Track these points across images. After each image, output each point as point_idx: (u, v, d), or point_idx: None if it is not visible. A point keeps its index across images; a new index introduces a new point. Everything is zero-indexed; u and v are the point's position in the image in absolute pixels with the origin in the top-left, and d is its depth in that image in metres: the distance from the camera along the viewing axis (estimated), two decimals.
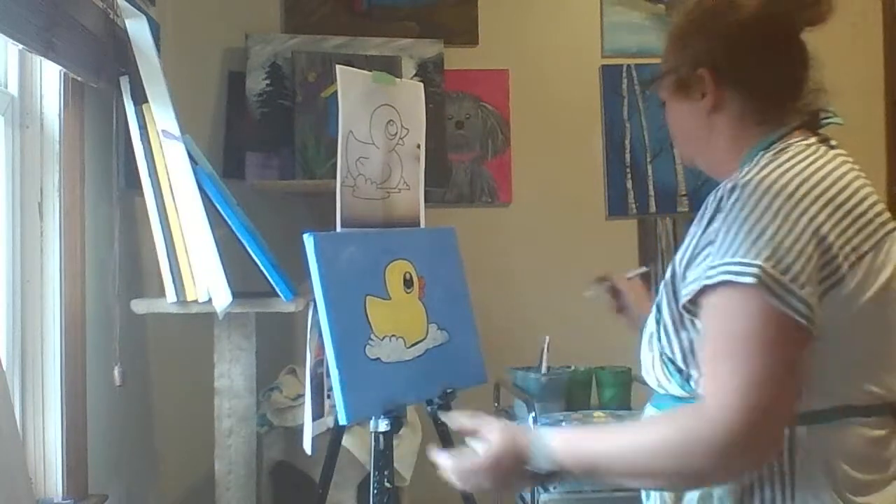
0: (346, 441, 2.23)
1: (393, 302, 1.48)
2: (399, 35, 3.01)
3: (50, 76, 1.83)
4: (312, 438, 1.90)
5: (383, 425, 1.65)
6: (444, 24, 3.08)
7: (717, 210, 1.13)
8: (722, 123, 1.25)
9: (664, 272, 1.29)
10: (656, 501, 1.23)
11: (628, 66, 3.14)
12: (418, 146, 2.02)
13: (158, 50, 2.09)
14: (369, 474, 1.90)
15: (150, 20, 2.07)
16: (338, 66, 1.87)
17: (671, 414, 1.18)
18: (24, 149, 1.81)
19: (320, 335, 1.99)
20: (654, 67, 1.38)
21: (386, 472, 1.80)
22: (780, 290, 1.05)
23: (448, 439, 2.10)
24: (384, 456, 1.81)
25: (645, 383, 1.30)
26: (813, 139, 1.22)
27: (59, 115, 1.83)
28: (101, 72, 1.95)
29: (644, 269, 1.72)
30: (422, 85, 2.10)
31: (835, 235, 1.09)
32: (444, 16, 3.09)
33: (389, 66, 2.86)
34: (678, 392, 1.19)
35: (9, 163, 1.78)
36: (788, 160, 1.15)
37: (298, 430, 2.13)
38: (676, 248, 1.27)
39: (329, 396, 2.23)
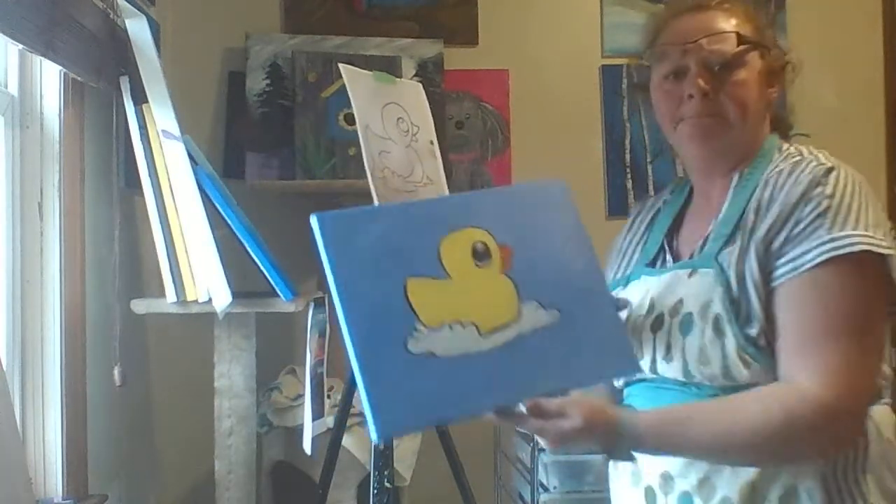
0: (346, 441, 2.23)
1: (454, 280, 1.17)
2: (399, 35, 3.01)
3: (50, 76, 1.83)
4: (312, 438, 1.90)
5: None
6: (444, 24, 3.08)
7: (815, 185, 1.18)
8: (762, 116, 1.32)
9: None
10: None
11: (628, 66, 3.14)
12: (431, 142, 2.01)
13: (158, 50, 2.10)
14: (369, 474, 1.90)
15: (150, 20, 2.07)
16: (341, 65, 1.87)
17: (765, 396, 1.16)
18: (24, 149, 1.81)
19: (320, 335, 2.00)
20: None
21: (386, 472, 1.80)
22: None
23: (448, 438, 2.10)
24: (384, 456, 1.81)
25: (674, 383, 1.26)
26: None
27: (59, 115, 1.83)
28: (101, 72, 1.95)
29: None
30: (420, 85, 2.10)
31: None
32: (444, 16, 3.09)
33: (389, 66, 2.86)
34: (754, 379, 1.19)
35: (9, 163, 1.78)
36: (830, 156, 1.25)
37: (298, 430, 2.13)
38: None
39: (329, 396, 2.23)
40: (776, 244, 1.18)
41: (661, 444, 1.16)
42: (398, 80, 2.01)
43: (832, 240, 1.14)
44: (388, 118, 1.88)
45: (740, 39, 1.27)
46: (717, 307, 1.20)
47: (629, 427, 1.14)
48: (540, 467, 2.28)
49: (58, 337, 1.81)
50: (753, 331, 1.18)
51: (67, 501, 1.80)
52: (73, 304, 1.87)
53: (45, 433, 1.81)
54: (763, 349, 1.18)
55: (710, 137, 1.28)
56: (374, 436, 1.09)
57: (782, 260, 1.17)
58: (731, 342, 1.18)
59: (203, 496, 2.36)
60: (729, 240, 1.24)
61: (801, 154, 1.25)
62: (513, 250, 1.21)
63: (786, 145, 1.30)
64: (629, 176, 3.17)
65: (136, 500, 2.37)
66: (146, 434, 2.55)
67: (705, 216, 1.33)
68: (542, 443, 1.18)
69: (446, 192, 1.94)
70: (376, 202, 1.69)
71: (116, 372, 2.02)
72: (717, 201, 1.31)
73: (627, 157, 3.17)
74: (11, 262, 1.78)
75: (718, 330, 1.20)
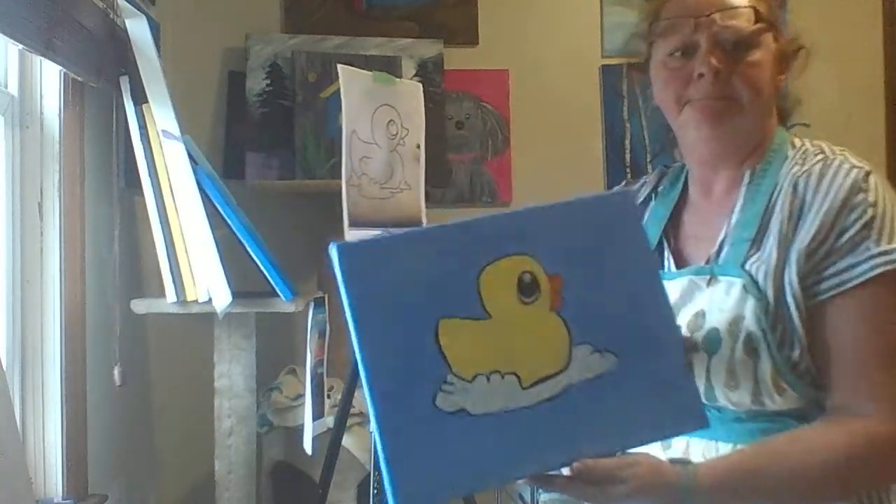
0: (346, 441, 2.23)
1: (495, 321, 0.98)
2: (399, 35, 3.01)
3: (50, 76, 1.83)
4: (312, 438, 1.90)
5: None
6: (444, 24, 3.08)
7: (857, 192, 1.10)
8: (772, 104, 1.22)
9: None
10: None
11: (628, 66, 3.13)
12: (418, 146, 2.02)
13: (158, 50, 2.09)
14: (369, 474, 1.90)
15: (150, 20, 2.07)
16: (339, 66, 1.88)
17: (828, 435, 1.06)
18: (24, 149, 1.81)
19: (320, 335, 2.00)
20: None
21: None
22: None
23: None
24: None
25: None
26: None
27: (59, 115, 1.83)
28: (101, 72, 1.95)
29: None
30: (421, 85, 2.10)
31: None
32: (444, 16, 3.09)
33: (389, 66, 2.86)
34: (786, 406, 1.10)
35: (9, 163, 1.78)
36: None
37: (298, 430, 2.13)
38: None
39: (329, 396, 2.23)
40: (819, 255, 1.08)
41: (725, 501, 1.07)
42: (398, 80, 2.02)
43: (882, 253, 1.06)
44: (379, 121, 1.89)
45: (757, 16, 1.16)
46: (751, 324, 1.09)
47: (691, 487, 1.03)
48: None
49: (58, 337, 1.81)
50: (795, 354, 1.08)
51: (67, 501, 1.80)
52: (73, 304, 1.86)
53: (45, 433, 1.81)
54: (802, 375, 1.09)
55: (720, 121, 1.15)
56: None
57: (827, 273, 1.08)
58: (766, 365, 1.08)
59: (203, 496, 2.36)
60: (752, 246, 1.13)
61: (823, 152, 1.16)
62: (563, 280, 1.01)
63: (797, 140, 1.21)
64: (629, 176, 3.16)
65: (136, 500, 2.37)
66: (146, 434, 2.55)
67: (711, 214, 1.22)
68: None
69: (422, 198, 1.92)
70: (346, 209, 1.69)
71: (116, 372, 2.02)
72: (724, 198, 1.21)
73: (627, 157, 3.17)
74: (11, 262, 1.78)
75: (751, 350, 1.09)
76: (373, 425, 0.94)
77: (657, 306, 1.03)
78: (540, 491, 2.26)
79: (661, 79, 1.21)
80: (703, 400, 1.11)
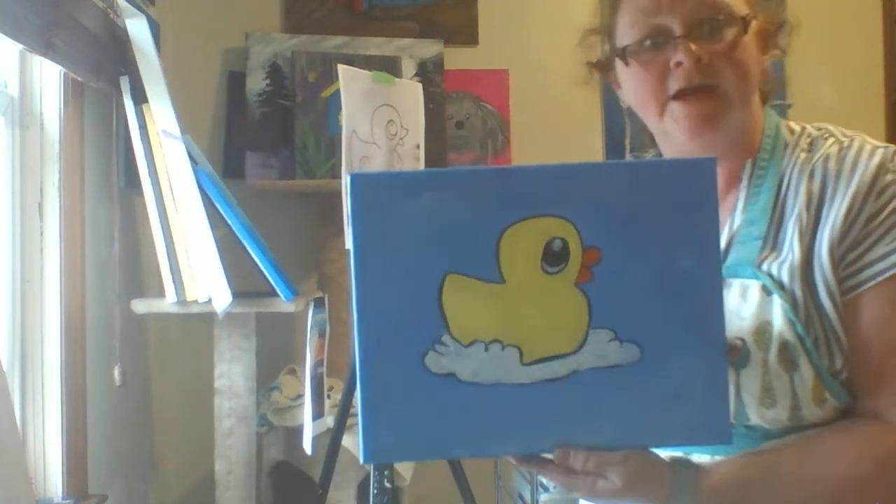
0: (346, 441, 2.23)
1: (508, 287, 0.88)
2: (399, 35, 3.01)
3: (50, 76, 1.83)
4: (312, 438, 1.90)
5: None
6: (444, 24, 3.08)
7: (885, 172, 0.98)
8: (757, 87, 1.09)
9: None
10: None
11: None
12: (417, 146, 2.02)
13: (158, 50, 2.09)
14: (369, 474, 1.91)
15: (150, 20, 2.07)
16: (339, 66, 1.88)
17: (850, 442, 0.95)
18: (24, 149, 1.81)
19: (320, 335, 2.00)
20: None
21: (386, 472, 1.81)
22: None
23: None
24: None
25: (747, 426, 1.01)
26: None
27: (59, 115, 1.83)
28: (101, 72, 1.95)
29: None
30: (420, 85, 2.10)
31: None
32: (444, 16, 3.09)
33: (389, 66, 2.87)
34: (825, 420, 0.98)
35: (9, 163, 1.78)
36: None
37: (298, 430, 2.13)
38: None
39: (329, 396, 2.23)
40: (846, 244, 0.97)
41: None
42: (398, 80, 2.02)
43: None
44: (378, 121, 1.90)
45: None
46: (783, 331, 0.96)
47: (686, 492, 0.93)
48: None
49: (58, 337, 1.81)
50: (837, 359, 0.97)
51: (67, 501, 1.80)
52: (73, 304, 1.87)
53: (45, 433, 1.81)
54: (844, 383, 0.98)
55: (712, 127, 1.03)
56: (360, 456, 0.90)
57: (858, 264, 0.97)
58: (807, 377, 0.96)
59: (203, 496, 2.36)
60: (765, 245, 1.01)
61: (833, 135, 1.04)
62: (600, 255, 0.88)
63: (793, 124, 1.10)
64: None
65: (136, 500, 2.37)
66: (146, 434, 2.55)
67: None
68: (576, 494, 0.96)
69: None
70: (345, 209, 1.69)
71: (116, 372, 2.02)
72: (722, 197, 1.08)
73: (627, 157, 3.17)
74: (11, 262, 1.78)
75: (788, 362, 0.96)
76: (357, 373, 0.89)
77: (706, 303, 0.89)
78: (540, 491, 2.26)
79: (631, 75, 1.07)
80: (732, 419, 0.99)
